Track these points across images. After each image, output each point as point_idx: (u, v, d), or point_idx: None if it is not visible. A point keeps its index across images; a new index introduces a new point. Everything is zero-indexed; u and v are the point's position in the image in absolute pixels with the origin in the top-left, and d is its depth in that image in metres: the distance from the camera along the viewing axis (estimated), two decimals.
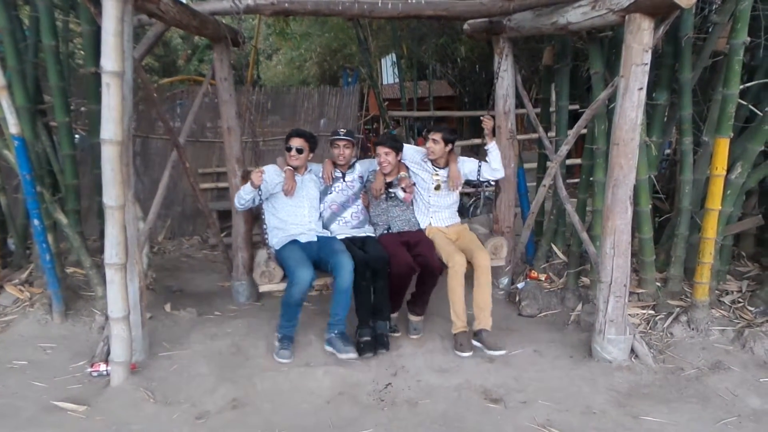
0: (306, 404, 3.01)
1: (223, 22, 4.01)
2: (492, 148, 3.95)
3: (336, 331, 3.54)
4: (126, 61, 2.84)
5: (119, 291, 3.00)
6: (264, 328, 3.82)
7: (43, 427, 2.72)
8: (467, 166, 4.00)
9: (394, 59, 9.64)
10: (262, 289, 3.59)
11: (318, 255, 3.63)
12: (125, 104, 2.87)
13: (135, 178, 3.29)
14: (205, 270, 5.50)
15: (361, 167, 4.07)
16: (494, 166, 3.95)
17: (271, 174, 3.78)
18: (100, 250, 3.32)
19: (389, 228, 3.92)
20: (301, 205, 3.84)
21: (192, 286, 4.93)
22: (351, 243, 3.74)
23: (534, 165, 5.10)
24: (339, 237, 3.82)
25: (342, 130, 4.00)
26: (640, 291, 4.06)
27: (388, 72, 12.51)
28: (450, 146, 3.92)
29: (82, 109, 5.26)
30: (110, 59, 2.72)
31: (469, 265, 3.65)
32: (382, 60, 12.45)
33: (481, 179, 3.99)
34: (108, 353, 3.15)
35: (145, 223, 3.72)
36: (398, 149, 3.89)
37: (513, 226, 4.52)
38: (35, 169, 3.75)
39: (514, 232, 4.57)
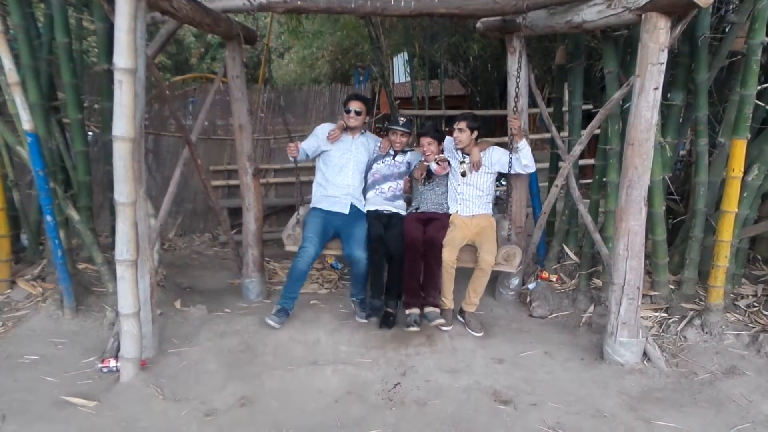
0: (314, 403, 3.01)
1: (236, 19, 4.01)
2: (523, 145, 3.93)
3: (356, 299, 4.05)
4: (139, 59, 2.84)
5: (130, 287, 3.01)
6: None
7: (53, 422, 2.73)
8: (502, 157, 4.01)
9: (406, 58, 9.60)
10: (288, 248, 3.98)
11: (340, 230, 3.94)
12: (137, 101, 2.88)
13: (147, 175, 3.30)
14: (215, 267, 5.52)
15: (411, 155, 4.27)
16: (525, 162, 3.95)
17: (325, 131, 4.10)
18: (112, 247, 3.34)
19: (418, 208, 4.12)
20: (347, 167, 4.09)
21: (202, 284, 4.94)
22: (377, 218, 4.00)
23: (546, 165, 5.06)
24: (370, 208, 4.10)
25: (402, 119, 4.23)
26: (653, 293, 4.02)
27: (400, 70, 12.47)
28: (475, 133, 4.03)
29: (95, 106, 5.30)
30: (123, 56, 2.73)
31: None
32: (394, 59, 12.40)
33: (512, 172, 4.02)
34: (118, 349, 3.16)
35: (156, 219, 3.74)
36: (440, 139, 4.07)
37: (524, 226, 4.49)
38: (48, 165, 3.78)
39: (525, 232, 4.54)
